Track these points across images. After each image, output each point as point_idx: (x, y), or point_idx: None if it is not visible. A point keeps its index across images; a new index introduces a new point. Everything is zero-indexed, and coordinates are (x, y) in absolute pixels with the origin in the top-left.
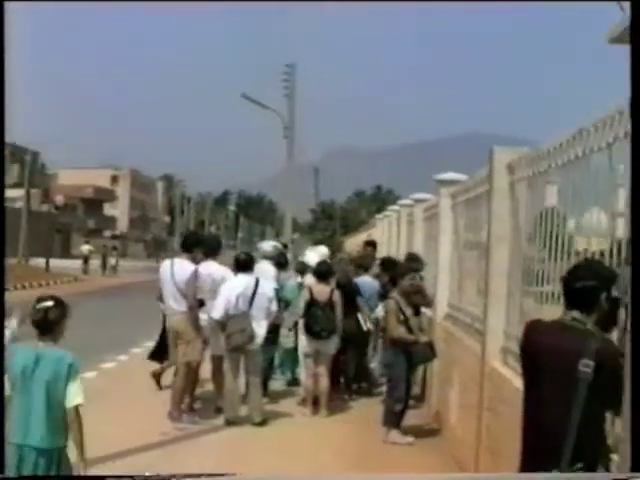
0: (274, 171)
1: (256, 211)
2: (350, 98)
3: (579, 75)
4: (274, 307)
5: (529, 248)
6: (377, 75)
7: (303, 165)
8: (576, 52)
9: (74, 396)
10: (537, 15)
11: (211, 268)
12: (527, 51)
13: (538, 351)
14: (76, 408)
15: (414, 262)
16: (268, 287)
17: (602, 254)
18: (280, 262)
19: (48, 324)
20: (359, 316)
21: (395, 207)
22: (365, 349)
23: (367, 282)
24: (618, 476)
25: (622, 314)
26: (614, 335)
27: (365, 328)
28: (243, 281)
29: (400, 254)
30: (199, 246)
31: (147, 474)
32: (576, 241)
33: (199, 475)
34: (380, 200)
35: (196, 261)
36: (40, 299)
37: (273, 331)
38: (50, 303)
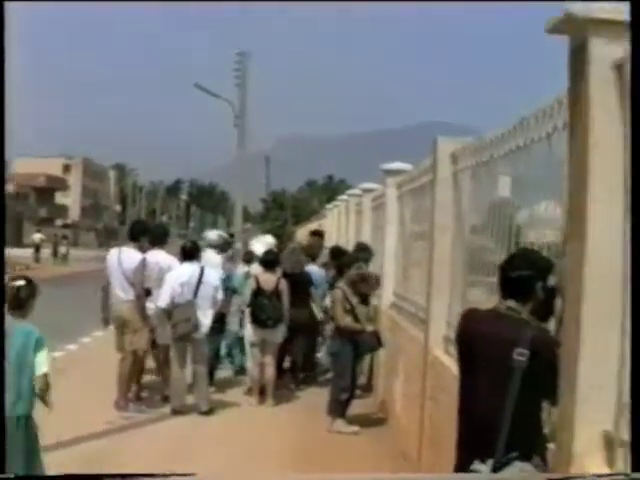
0: (226, 160)
1: (208, 200)
2: (303, 86)
3: (538, 66)
4: (220, 296)
5: (479, 239)
6: (330, 63)
7: (255, 154)
8: (536, 45)
9: (41, 365)
10: (491, 6)
11: (158, 257)
12: (486, 41)
13: (473, 339)
14: (45, 375)
15: (363, 252)
16: (214, 276)
17: (541, 246)
18: (224, 251)
19: (19, 301)
20: (312, 306)
21: (344, 197)
22: (316, 338)
23: (315, 271)
24: (554, 476)
25: (558, 303)
26: (551, 324)
27: (319, 317)
28: (188, 270)
29: (349, 244)
30: (146, 235)
31: (142, 473)
32: (527, 233)
33: (165, 475)
34: (332, 190)
35: (143, 250)
36: (12, 278)
37: (219, 320)
38: (22, 282)
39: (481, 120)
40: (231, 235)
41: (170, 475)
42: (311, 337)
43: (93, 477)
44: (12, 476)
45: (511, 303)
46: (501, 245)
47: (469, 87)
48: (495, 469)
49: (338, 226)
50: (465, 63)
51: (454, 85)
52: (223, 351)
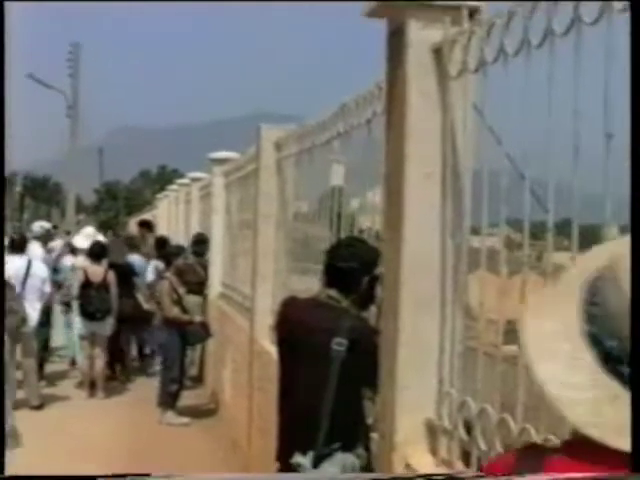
0: (60, 152)
1: (42, 192)
2: (135, 78)
3: (365, 51)
4: (47, 288)
5: (307, 226)
6: (160, 55)
7: (88, 145)
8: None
9: None
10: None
11: None
12: (311, 30)
13: (292, 328)
14: None
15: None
16: (42, 268)
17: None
18: (45, 242)
19: None
20: (138, 296)
21: (174, 187)
22: (144, 329)
23: (137, 261)
24: (381, 476)
25: (379, 291)
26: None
27: (144, 307)
28: (16, 262)
29: (179, 234)
30: None
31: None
32: (359, 220)
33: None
34: (165, 180)
35: None
36: None
37: (47, 313)
38: None
39: (313, 109)
40: (54, 227)
41: (126, 475)
42: (139, 328)
43: (86, 477)
44: (11, 476)
45: (332, 292)
46: (331, 233)
47: (299, 76)
48: (316, 460)
49: (169, 216)
50: (294, 52)
51: (285, 75)
52: (52, 344)
